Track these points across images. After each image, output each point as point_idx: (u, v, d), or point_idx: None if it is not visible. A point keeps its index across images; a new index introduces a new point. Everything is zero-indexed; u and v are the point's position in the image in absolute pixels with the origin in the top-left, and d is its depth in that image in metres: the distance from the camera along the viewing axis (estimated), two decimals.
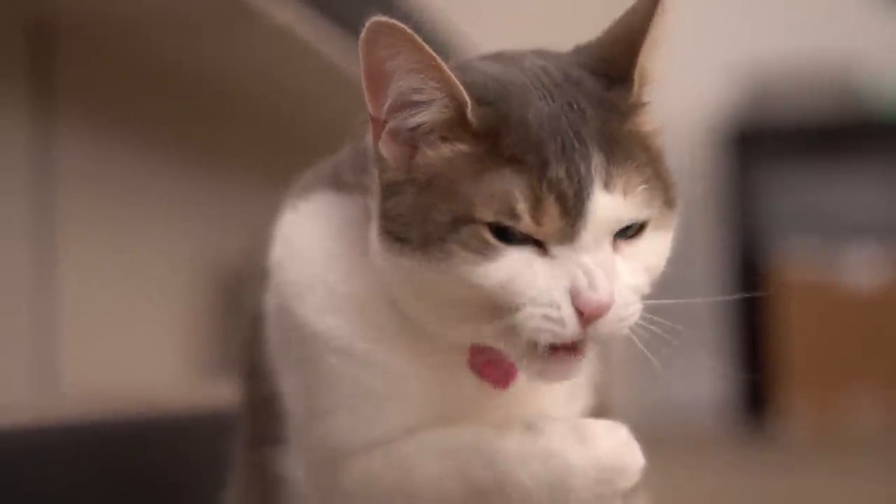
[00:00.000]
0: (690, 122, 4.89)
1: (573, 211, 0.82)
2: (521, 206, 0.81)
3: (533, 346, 0.84)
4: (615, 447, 0.86)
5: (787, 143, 4.85)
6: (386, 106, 0.86)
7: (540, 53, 0.93)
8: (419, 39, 0.83)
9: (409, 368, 0.93)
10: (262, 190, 1.01)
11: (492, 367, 0.93)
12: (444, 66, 0.83)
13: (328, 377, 0.93)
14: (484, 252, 0.82)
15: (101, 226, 1.92)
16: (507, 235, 0.82)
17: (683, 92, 4.84)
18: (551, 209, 0.81)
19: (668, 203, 0.88)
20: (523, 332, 0.83)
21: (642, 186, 0.85)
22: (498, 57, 0.93)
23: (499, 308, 0.83)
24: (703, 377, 4.65)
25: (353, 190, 0.95)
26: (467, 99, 0.84)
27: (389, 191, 0.86)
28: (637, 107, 0.89)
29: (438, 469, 0.91)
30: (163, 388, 2.03)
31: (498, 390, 0.94)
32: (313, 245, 0.96)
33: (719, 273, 4.69)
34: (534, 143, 0.82)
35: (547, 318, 0.82)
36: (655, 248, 0.88)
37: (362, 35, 0.83)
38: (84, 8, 1.69)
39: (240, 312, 1.12)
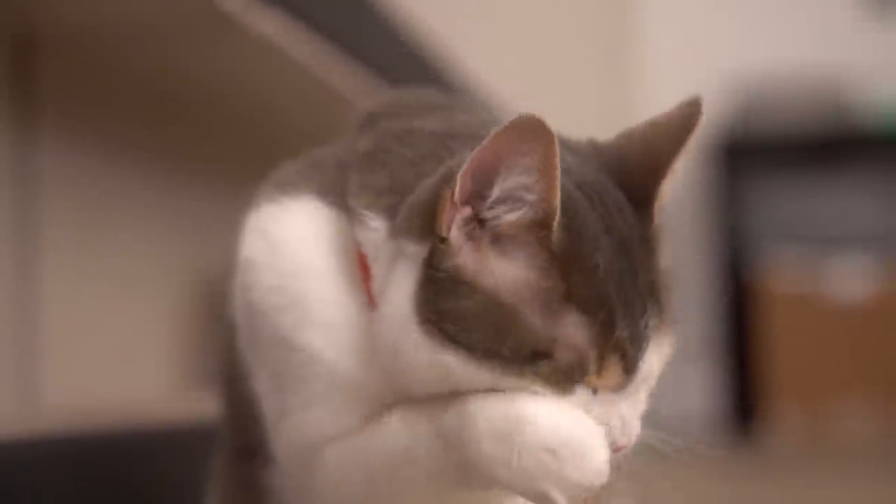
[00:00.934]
0: None
1: (630, 369, 0.85)
2: (592, 365, 0.83)
3: None
4: (583, 433, 0.84)
5: (776, 155, 4.87)
6: (489, 197, 0.83)
7: (567, 147, 0.90)
8: (556, 142, 0.80)
9: (381, 387, 0.90)
10: (247, 199, 1.00)
11: None
12: (559, 173, 0.81)
13: (300, 381, 0.92)
14: (558, 388, 0.83)
15: (84, 235, 1.92)
16: (572, 378, 0.83)
17: (674, 103, 4.86)
18: (614, 368, 0.84)
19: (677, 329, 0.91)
20: None
21: (674, 336, 0.89)
22: None
23: None
24: (692, 388, 4.66)
25: (342, 210, 0.93)
26: (557, 213, 0.82)
27: (447, 286, 0.83)
28: (659, 241, 0.90)
29: (400, 446, 0.89)
30: (146, 400, 2.02)
31: None
32: (298, 247, 0.92)
33: (707, 284, 4.70)
34: (602, 293, 0.83)
35: None
36: (660, 370, 0.90)
37: (507, 123, 0.80)
38: (65, 18, 1.68)
39: (220, 322, 1.11)
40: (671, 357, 0.90)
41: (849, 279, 4.56)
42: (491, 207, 0.83)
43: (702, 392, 4.68)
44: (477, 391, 0.84)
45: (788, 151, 4.84)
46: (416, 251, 0.85)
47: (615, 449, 0.85)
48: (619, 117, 4.71)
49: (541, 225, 0.82)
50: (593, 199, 0.86)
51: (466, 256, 0.84)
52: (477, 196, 0.83)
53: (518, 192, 0.82)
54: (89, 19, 1.69)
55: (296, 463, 0.94)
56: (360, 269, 0.91)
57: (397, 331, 0.85)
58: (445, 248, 0.83)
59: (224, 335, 1.05)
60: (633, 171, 0.89)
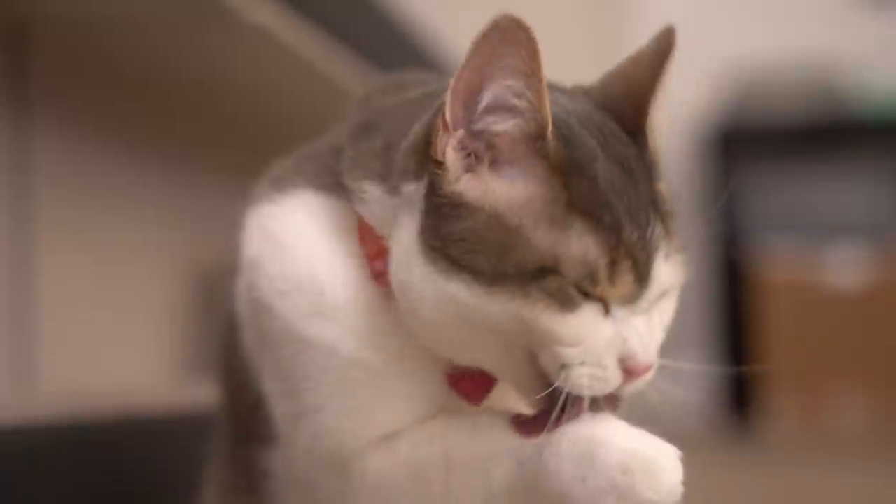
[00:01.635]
0: (674, 122, 4.90)
1: (643, 277, 0.84)
2: (602, 272, 0.82)
3: (548, 391, 0.84)
4: (657, 453, 0.83)
5: (771, 144, 4.86)
6: (479, 107, 0.83)
7: (556, 89, 0.90)
8: (537, 42, 0.81)
9: (397, 370, 0.91)
10: (240, 189, 1.00)
11: (468, 383, 0.92)
12: (545, 80, 0.82)
13: (315, 378, 0.91)
14: (566, 304, 0.82)
15: (79, 225, 1.92)
16: (582, 290, 0.83)
17: (667, 92, 4.85)
18: (626, 274, 0.83)
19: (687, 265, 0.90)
20: (565, 384, 0.83)
21: (682, 254, 0.89)
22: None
23: (543, 353, 0.84)
24: (687, 377, 4.65)
25: (339, 193, 0.93)
26: (549, 122, 0.82)
27: (448, 210, 0.83)
28: (659, 163, 0.91)
29: (469, 483, 0.89)
30: (141, 389, 2.03)
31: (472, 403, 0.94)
32: (299, 242, 0.93)
33: (703, 273, 4.70)
34: (606, 201, 0.83)
35: (593, 377, 0.83)
36: (674, 307, 0.90)
37: (485, 28, 0.80)
38: (59, 9, 1.68)
39: (218, 312, 1.11)
40: (684, 282, 0.90)
41: (845, 268, 4.56)
42: (481, 119, 0.83)
43: (697, 381, 4.68)
44: (489, 326, 0.83)
45: (784, 140, 4.83)
46: (414, 190, 0.86)
47: (638, 372, 0.84)
48: None
49: (535, 136, 0.83)
50: (586, 124, 0.87)
51: (465, 181, 0.84)
52: (468, 117, 0.84)
53: (506, 98, 0.82)
54: (83, 10, 1.69)
55: (322, 467, 0.93)
56: (364, 248, 0.91)
57: (405, 268, 0.85)
58: (443, 174, 0.84)
59: (224, 327, 1.05)
60: (620, 104, 0.90)
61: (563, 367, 0.83)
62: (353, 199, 0.91)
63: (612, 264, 0.82)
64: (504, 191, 0.83)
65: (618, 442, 0.82)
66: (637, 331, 0.84)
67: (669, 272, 0.86)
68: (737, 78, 4.84)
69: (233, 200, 1.01)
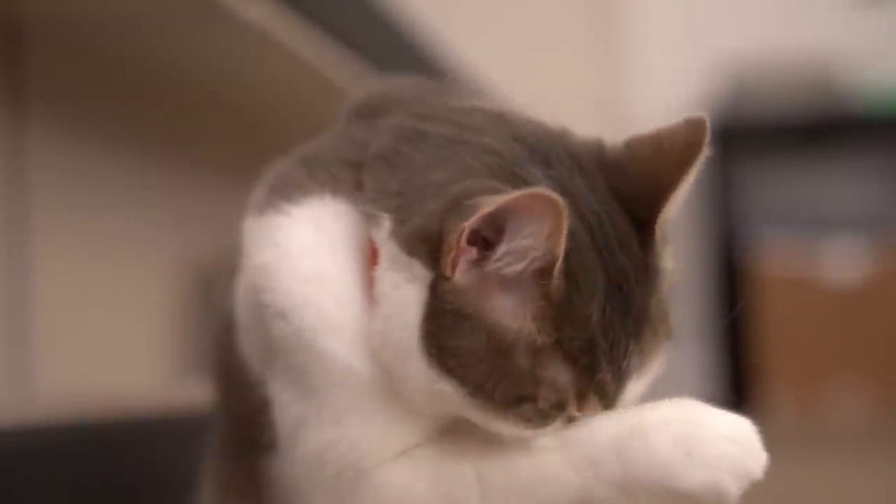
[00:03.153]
0: (671, 117, 4.89)
1: (609, 405, 0.88)
2: (571, 402, 0.87)
3: None
4: (751, 427, 0.88)
5: (767, 139, 4.87)
6: (495, 249, 0.84)
7: (576, 162, 0.91)
8: (565, 219, 0.81)
9: None
10: (237, 188, 0.99)
11: None
12: (564, 240, 0.82)
13: (332, 390, 0.91)
14: (537, 424, 0.87)
15: (76, 225, 1.92)
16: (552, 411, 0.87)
17: (664, 87, 4.85)
18: (592, 404, 0.88)
19: (671, 343, 0.93)
20: None
21: (662, 358, 0.92)
22: (545, 163, 0.90)
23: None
24: (685, 371, 4.65)
25: (354, 195, 0.93)
26: (559, 261, 0.83)
27: (449, 321, 0.85)
28: (661, 267, 0.92)
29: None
30: (138, 389, 2.03)
31: None
32: (311, 257, 0.92)
33: (700, 267, 4.70)
34: (589, 344, 0.85)
35: None
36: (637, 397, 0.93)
37: (521, 195, 0.81)
38: (54, 7, 1.68)
39: (214, 314, 1.10)
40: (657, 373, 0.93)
41: (841, 262, 4.57)
42: (495, 260, 0.84)
43: (695, 375, 4.68)
44: (468, 416, 0.88)
45: (780, 135, 4.84)
46: (423, 275, 0.86)
47: None
48: (610, 102, 4.71)
49: (542, 273, 0.84)
50: (595, 231, 0.87)
51: (469, 293, 0.85)
52: (484, 242, 0.84)
53: (523, 252, 0.83)
54: (78, 10, 1.68)
55: (328, 477, 0.93)
56: (372, 263, 0.91)
57: (403, 350, 0.87)
58: (450, 285, 0.85)
59: (220, 329, 1.05)
60: (636, 190, 0.90)
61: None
62: (370, 223, 0.90)
63: (581, 397, 0.87)
64: (502, 314, 0.85)
65: (717, 417, 0.87)
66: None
67: (639, 387, 0.91)
68: (734, 73, 4.84)
69: (229, 199, 1.01)
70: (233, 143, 2.29)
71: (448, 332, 0.85)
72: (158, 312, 2.20)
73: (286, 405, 0.94)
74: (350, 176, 0.94)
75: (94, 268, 1.97)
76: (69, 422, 1.53)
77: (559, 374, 0.86)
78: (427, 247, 0.86)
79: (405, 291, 0.87)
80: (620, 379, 0.88)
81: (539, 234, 0.82)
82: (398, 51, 2.09)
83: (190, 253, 2.24)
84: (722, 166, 4.75)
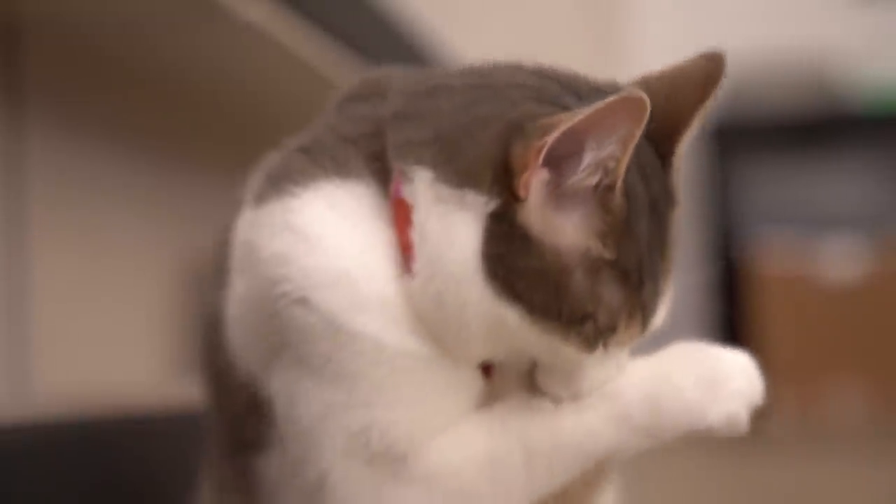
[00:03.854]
0: None
1: (647, 324, 0.90)
2: (622, 323, 0.88)
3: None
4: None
5: (765, 138, 4.87)
6: (579, 162, 0.84)
7: (599, 91, 0.91)
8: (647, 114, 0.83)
9: (444, 359, 0.90)
10: (235, 188, 0.99)
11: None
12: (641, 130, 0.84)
13: (364, 371, 0.89)
14: (591, 347, 0.87)
15: (73, 224, 1.92)
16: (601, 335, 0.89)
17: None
18: (636, 326, 0.89)
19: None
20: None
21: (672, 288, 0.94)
22: (577, 96, 0.91)
23: (550, 374, 0.91)
24: None
25: (362, 174, 0.92)
26: (620, 182, 0.85)
27: (518, 244, 0.85)
28: (679, 189, 0.93)
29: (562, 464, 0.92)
30: (136, 387, 2.03)
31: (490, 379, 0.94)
32: (331, 234, 0.90)
33: (698, 266, 4.70)
34: (637, 259, 0.87)
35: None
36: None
37: (620, 98, 0.81)
38: (52, 8, 1.68)
39: (201, 316, 1.09)
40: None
41: (840, 260, 4.57)
42: (576, 173, 0.85)
43: None
44: (521, 347, 0.88)
45: (777, 133, 4.84)
46: (479, 202, 0.86)
47: None
48: None
49: (608, 188, 0.85)
50: (639, 157, 0.88)
51: (539, 214, 0.85)
52: (557, 160, 0.84)
53: (606, 162, 0.84)
54: (76, 9, 1.68)
55: (362, 464, 0.91)
56: (399, 236, 0.90)
57: (456, 282, 0.86)
58: (521, 207, 0.85)
59: (206, 328, 1.04)
60: (659, 121, 0.90)
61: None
62: (402, 181, 0.89)
63: (629, 318, 0.88)
64: (568, 233, 0.85)
65: (727, 355, 0.94)
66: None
67: (662, 315, 0.92)
68: (731, 72, 4.82)
69: (228, 199, 1.01)
70: (232, 142, 2.29)
71: (516, 255, 0.85)
72: (157, 310, 2.20)
73: (305, 398, 0.91)
74: (356, 153, 0.93)
75: (93, 266, 1.97)
76: (67, 419, 1.53)
77: (615, 293, 0.87)
78: (489, 173, 0.86)
79: (459, 225, 0.86)
80: (658, 299, 0.90)
81: (623, 138, 0.83)
82: (397, 50, 2.09)
83: (188, 251, 2.25)
84: (720, 165, 4.75)
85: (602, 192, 0.85)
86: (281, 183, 0.93)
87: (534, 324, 0.86)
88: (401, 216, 0.89)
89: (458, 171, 0.87)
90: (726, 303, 4.63)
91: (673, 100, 0.92)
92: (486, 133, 0.87)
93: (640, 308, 0.88)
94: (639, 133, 0.82)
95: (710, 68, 0.94)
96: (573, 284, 0.85)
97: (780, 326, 4.49)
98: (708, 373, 0.91)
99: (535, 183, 0.85)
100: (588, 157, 0.84)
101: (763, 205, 4.86)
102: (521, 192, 0.85)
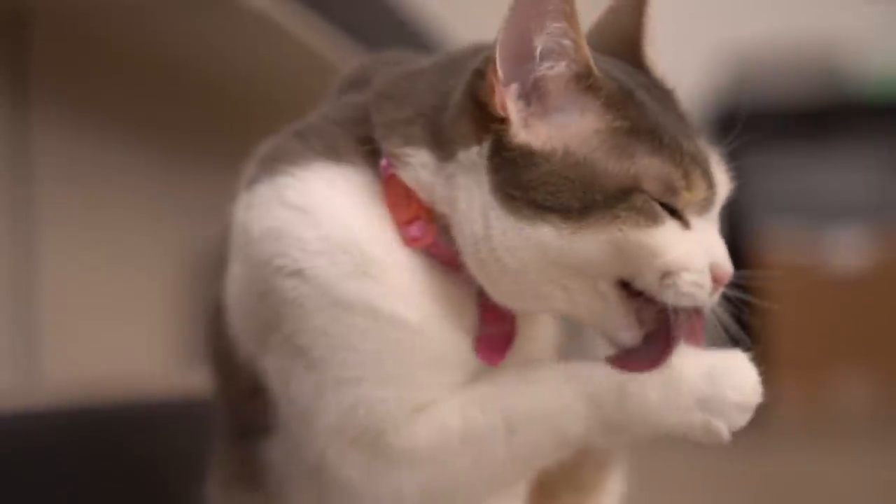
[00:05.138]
0: None
1: (712, 182, 0.90)
2: (679, 182, 0.87)
3: (633, 316, 0.89)
4: (727, 357, 0.92)
5: (771, 126, 4.85)
6: (533, 55, 0.86)
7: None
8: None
9: (435, 332, 0.91)
10: (239, 178, 0.99)
11: (489, 343, 0.93)
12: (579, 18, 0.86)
13: (354, 345, 0.90)
14: (652, 218, 0.86)
15: (81, 213, 1.92)
16: (665, 204, 0.88)
17: (667, 75, 4.83)
18: (699, 181, 0.88)
19: None
20: (668, 297, 0.87)
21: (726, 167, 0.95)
22: None
23: (642, 273, 0.87)
24: None
25: (358, 164, 0.93)
26: (591, 60, 0.87)
27: (522, 161, 0.86)
28: (672, 88, 0.96)
29: (543, 431, 0.91)
30: (144, 375, 2.03)
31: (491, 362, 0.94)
32: (329, 205, 0.92)
33: None
34: (658, 122, 0.88)
35: (696, 284, 0.88)
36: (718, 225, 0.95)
37: None
38: None
39: (206, 303, 1.10)
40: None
41: (846, 250, 4.56)
42: (536, 67, 0.87)
43: None
44: (580, 265, 0.86)
45: (783, 122, 4.82)
46: (476, 153, 0.88)
47: (723, 280, 0.90)
48: None
49: (584, 74, 0.87)
50: (605, 65, 0.90)
51: (530, 130, 0.87)
52: (519, 70, 0.87)
53: (556, 40, 0.86)
54: None
55: (351, 441, 0.92)
56: (394, 214, 0.92)
57: (480, 226, 0.87)
58: (507, 129, 0.87)
59: (209, 315, 1.04)
60: (617, 48, 0.95)
61: (666, 276, 0.87)
62: (396, 165, 0.91)
63: (685, 175, 0.87)
64: (569, 129, 0.87)
65: (693, 360, 0.89)
66: (716, 240, 0.90)
67: (724, 178, 0.92)
68: (737, 61, 4.83)
69: (233, 188, 1.01)
70: (238, 132, 2.28)
71: (524, 170, 0.86)
72: (163, 300, 2.20)
73: (299, 376, 0.92)
74: (345, 136, 0.95)
75: (100, 256, 1.97)
76: (75, 408, 1.53)
77: (653, 159, 0.86)
78: (467, 122, 0.88)
79: (461, 185, 0.88)
80: (705, 155, 0.90)
81: (558, 9, 0.85)
82: (401, 38, 2.09)
83: (194, 241, 2.25)
84: (725, 154, 4.74)
85: (579, 80, 0.87)
86: (272, 164, 0.95)
87: (578, 228, 0.85)
88: (392, 194, 0.91)
89: (447, 142, 0.89)
90: (732, 291, 4.62)
91: (619, 24, 0.96)
92: (456, 97, 0.89)
93: (693, 162, 0.88)
94: (573, 2, 0.85)
95: None
96: (599, 171, 0.85)
97: (787, 315, 4.47)
98: (676, 379, 0.89)
99: (509, 100, 0.87)
100: (539, 45, 0.86)
101: (769, 193, 4.84)
102: (501, 112, 0.87)
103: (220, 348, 1.02)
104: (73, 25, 1.81)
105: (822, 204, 4.81)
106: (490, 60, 0.86)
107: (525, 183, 0.86)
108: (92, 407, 1.55)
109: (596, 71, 0.87)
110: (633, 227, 0.85)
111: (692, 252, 0.87)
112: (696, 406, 0.88)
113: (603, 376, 0.90)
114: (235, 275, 0.97)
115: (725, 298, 0.91)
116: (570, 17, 0.85)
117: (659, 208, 0.86)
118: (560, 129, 0.87)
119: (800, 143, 4.89)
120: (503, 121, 0.87)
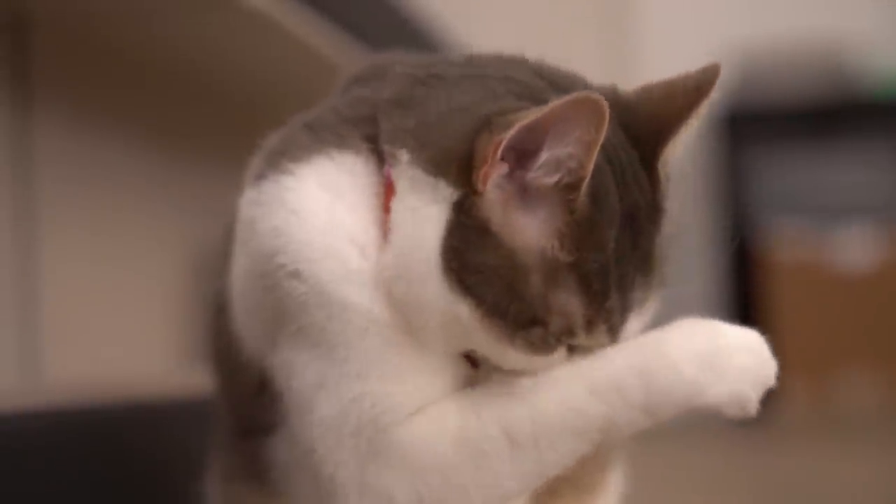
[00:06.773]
0: None
1: (614, 334, 0.89)
2: (580, 331, 0.87)
3: None
4: (760, 338, 0.91)
5: (778, 125, 4.85)
6: (535, 159, 0.85)
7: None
8: (607, 121, 0.83)
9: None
10: (241, 173, 1.00)
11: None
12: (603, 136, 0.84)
13: (354, 342, 0.90)
14: (542, 350, 0.88)
15: (82, 213, 1.92)
16: (558, 338, 0.88)
17: (674, 74, 4.83)
18: (600, 334, 0.88)
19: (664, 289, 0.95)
20: None
21: (657, 301, 0.94)
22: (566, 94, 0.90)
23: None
24: None
25: (360, 147, 0.93)
26: (587, 178, 0.85)
27: (474, 237, 0.86)
28: (665, 200, 0.93)
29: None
30: (145, 375, 2.03)
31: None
32: (324, 210, 0.92)
33: (711, 255, 4.70)
34: (603, 270, 0.87)
35: None
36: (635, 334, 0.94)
37: (573, 98, 0.82)
38: None
39: (209, 302, 1.10)
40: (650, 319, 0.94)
41: (853, 248, 4.56)
42: (532, 170, 0.85)
43: None
44: (475, 342, 0.88)
45: (791, 121, 4.82)
46: (448, 194, 0.87)
47: None
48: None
49: (570, 188, 0.85)
50: (614, 164, 0.88)
51: (497, 208, 0.86)
52: (518, 156, 0.85)
53: (563, 160, 0.84)
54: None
55: (348, 435, 0.92)
56: (387, 202, 0.91)
57: (419, 271, 0.88)
58: (479, 201, 0.86)
59: (212, 313, 1.05)
60: (645, 126, 0.92)
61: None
62: (387, 161, 0.91)
63: (589, 323, 0.87)
64: (525, 230, 0.86)
65: (731, 331, 0.90)
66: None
67: (638, 324, 0.92)
68: (744, 59, 4.83)
69: (234, 184, 1.01)
70: (239, 131, 2.29)
71: (471, 248, 0.86)
72: (166, 299, 2.21)
73: (302, 369, 0.93)
74: (355, 130, 0.95)
75: (102, 255, 1.97)
76: (77, 407, 1.53)
77: (571, 298, 0.86)
78: (455, 164, 0.87)
79: (426, 212, 0.88)
80: (626, 310, 0.89)
81: (582, 139, 0.83)
82: (404, 39, 2.09)
83: (197, 240, 2.25)
84: (733, 153, 4.74)
85: (563, 191, 0.85)
86: (278, 160, 0.95)
87: (483, 321, 0.86)
88: (389, 196, 0.91)
89: (432, 158, 0.88)
90: (739, 291, 4.62)
91: (664, 107, 0.92)
92: (461, 124, 0.88)
93: (604, 318, 0.88)
94: (601, 136, 0.82)
95: (702, 80, 0.93)
96: (526, 286, 0.86)
97: (792, 314, 4.48)
98: (710, 349, 0.89)
99: (494, 177, 0.86)
100: (545, 155, 0.85)
101: (776, 192, 4.84)
102: (480, 185, 0.86)
103: (223, 346, 1.02)
104: (74, 27, 1.82)
105: (829, 203, 4.80)
106: (504, 126, 0.85)
107: (466, 262, 0.86)
108: (93, 407, 1.55)
109: (582, 194, 0.85)
110: (520, 352, 0.87)
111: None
112: (739, 375, 0.89)
113: (620, 363, 0.90)
114: (240, 269, 0.97)
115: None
116: (589, 145, 0.83)
117: (552, 342, 0.87)
118: (520, 224, 0.86)
119: (806, 142, 4.88)
120: (478, 189, 0.86)
